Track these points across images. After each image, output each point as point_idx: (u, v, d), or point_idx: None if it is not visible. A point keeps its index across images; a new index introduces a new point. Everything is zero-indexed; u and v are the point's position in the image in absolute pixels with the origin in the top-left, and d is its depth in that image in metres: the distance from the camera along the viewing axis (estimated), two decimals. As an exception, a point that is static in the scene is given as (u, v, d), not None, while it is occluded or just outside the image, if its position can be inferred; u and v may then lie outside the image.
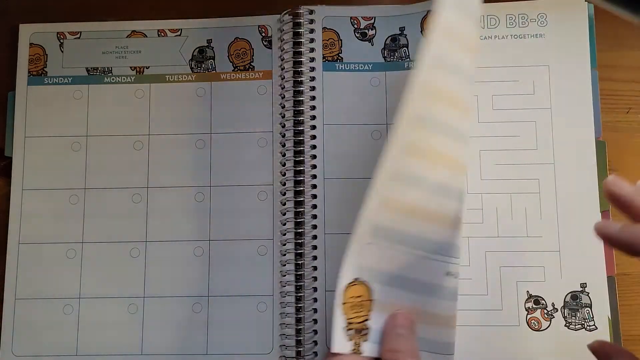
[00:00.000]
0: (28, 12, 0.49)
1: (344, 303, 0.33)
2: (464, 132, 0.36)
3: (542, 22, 0.46)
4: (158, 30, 0.48)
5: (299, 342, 0.43)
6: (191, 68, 0.47)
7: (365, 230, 0.33)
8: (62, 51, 0.47)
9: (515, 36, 0.46)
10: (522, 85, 0.46)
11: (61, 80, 0.47)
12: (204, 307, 0.44)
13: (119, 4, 0.49)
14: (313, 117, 0.46)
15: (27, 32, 0.48)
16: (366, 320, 0.34)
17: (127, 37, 0.47)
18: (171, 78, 0.47)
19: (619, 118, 0.46)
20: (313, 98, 0.46)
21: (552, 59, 0.46)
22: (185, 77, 0.47)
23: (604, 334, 0.43)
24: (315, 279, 0.44)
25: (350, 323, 0.33)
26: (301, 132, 0.45)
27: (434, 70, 0.33)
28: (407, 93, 0.32)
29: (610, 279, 0.43)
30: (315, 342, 0.43)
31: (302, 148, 0.45)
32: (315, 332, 0.43)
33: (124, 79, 0.47)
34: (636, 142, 0.46)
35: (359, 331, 0.34)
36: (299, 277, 0.44)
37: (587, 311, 0.43)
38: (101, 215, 0.45)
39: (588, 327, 0.43)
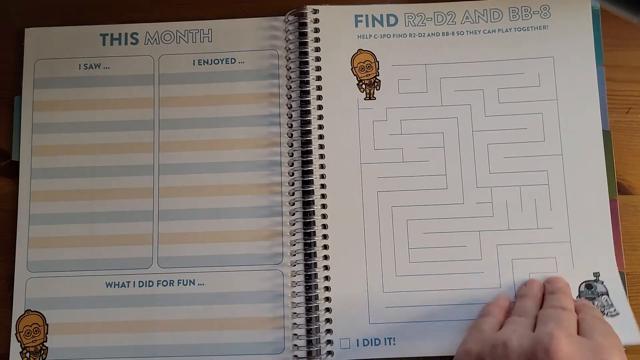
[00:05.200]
0: (31, 14, 0.48)
1: (19, 332, 0.43)
2: None
3: (545, 14, 0.46)
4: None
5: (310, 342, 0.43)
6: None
7: (21, 268, 0.44)
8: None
9: (519, 29, 0.46)
10: (527, 78, 0.46)
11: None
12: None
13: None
14: (320, 117, 0.46)
15: (32, 36, 0.47)
16: (43, 342, 0.43)
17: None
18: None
19: (618, 118, 0.46)
20: (320, 98, 0.46)
21: (556, 50, 0.46)
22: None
23: (627, 317, 0.42)
24: (327, 278, 0.44)
25: (25, 347, 0.43)
26: (309, 132, 0.45)
27: None
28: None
29: (621, 274, 0.43)
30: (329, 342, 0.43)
31: (310, 148, 0.45)
32: (329, 331, 0.43)
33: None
34: (636, 142, 0.46)
35: (35, 353, 0.43)
36: (308, 278, 0.44)
37: (605, 299, 0.43)
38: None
39: (609, 314, 0.42)
